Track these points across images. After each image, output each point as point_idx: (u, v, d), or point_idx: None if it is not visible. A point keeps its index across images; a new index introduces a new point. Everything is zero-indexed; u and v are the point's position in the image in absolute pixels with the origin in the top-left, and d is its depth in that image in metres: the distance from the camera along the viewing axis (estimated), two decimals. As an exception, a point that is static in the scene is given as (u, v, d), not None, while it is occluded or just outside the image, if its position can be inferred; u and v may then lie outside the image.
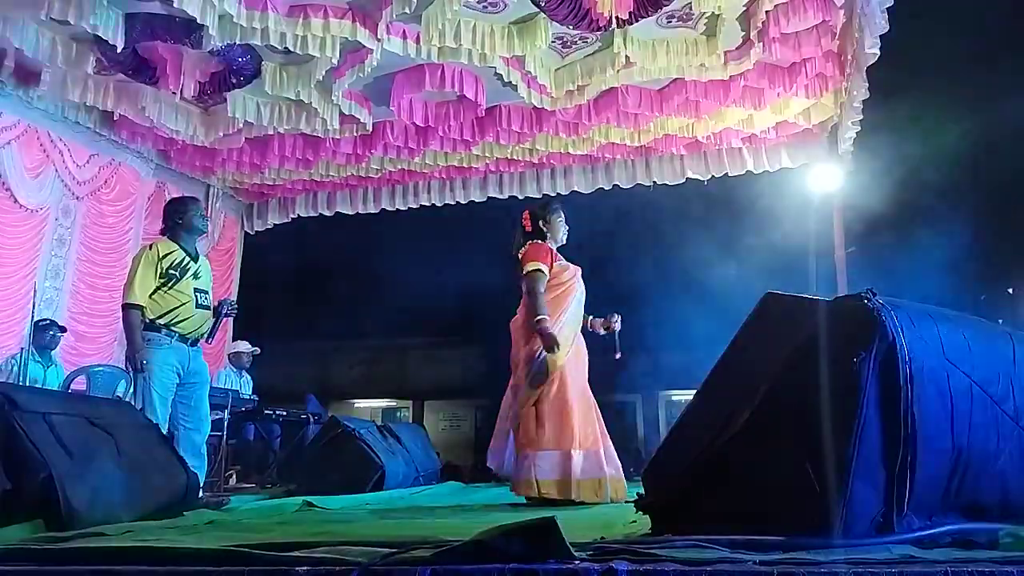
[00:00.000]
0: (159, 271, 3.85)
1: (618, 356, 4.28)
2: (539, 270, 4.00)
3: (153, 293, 3.84)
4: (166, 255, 3.90)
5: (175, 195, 7.56)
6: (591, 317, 4.27)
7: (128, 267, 4.04)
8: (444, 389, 16.40)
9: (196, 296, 3.94)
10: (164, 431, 3.78)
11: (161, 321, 3.84)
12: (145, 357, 3.74)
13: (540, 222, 4.18)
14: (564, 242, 4.25)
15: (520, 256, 4.10)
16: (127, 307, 3.82)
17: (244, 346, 7.29)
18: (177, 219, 4.04)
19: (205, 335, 4.07)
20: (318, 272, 13.85)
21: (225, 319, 4.22)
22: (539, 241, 4.14)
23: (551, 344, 3.84)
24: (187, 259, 3.97)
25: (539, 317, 3.88)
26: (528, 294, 3.98)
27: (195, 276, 3.98)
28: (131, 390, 5.88)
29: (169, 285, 3.87)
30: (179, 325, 3.87)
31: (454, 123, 6.43)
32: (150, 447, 3.13)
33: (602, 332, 4.28)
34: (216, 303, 4.18)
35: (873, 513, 1.65)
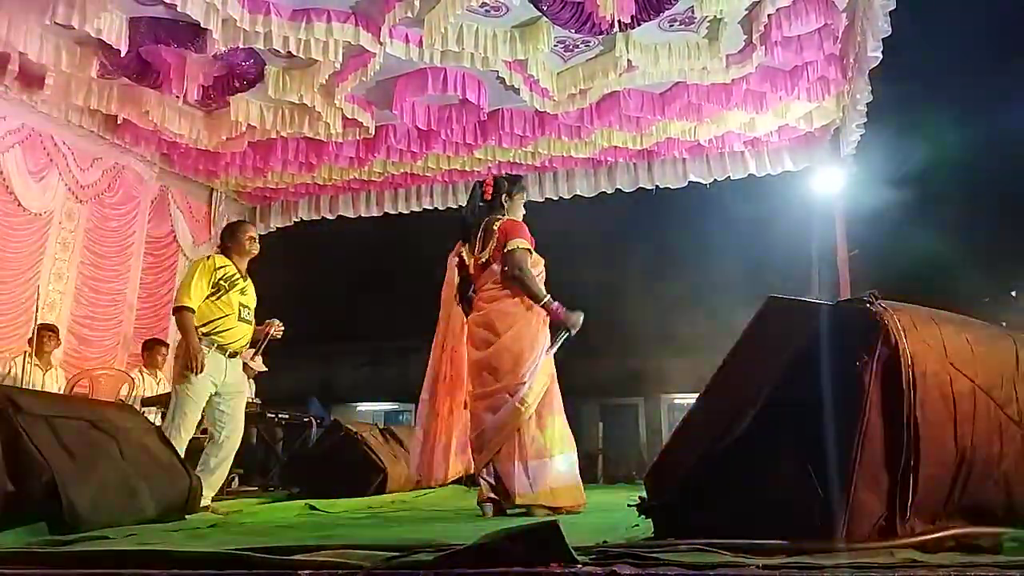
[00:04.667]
0: (212, 280, 4.01)
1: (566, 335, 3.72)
2: (528, 249, 3.60)
3: (201, 302, 3.98)
4: (221, 267, 4.08)
5: (178, 199, 7.65)
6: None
7: (182, 275, 4.20)
8: (446, 392, 16.36)
9: (240, 310, 4.10)
10: (191, 434, 3.95)
11: (204, 330, 3.97)
12: (205, 357, 3.88)
13: (503, 196, 3.77)
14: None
15: (495, 230, 3.66)
16: (181, 309, 3.97)
17: (256, 363, 7.23)
18: (229, 242, 4.25)
19: (244, 349, 4.20)
20: (320, 275, 13.86)
21: (272, 336, 4.35)
22: (514, 219, 3.76)
23: (575, 320, 3.51)
24: (237, 275, 4.14)
25: (545, 299, 3.52)
26: (518, 275, 3.53)
27: (242, 292, 4.14)
28: (134, 394, 5.89)
29: (217, 296, 4.02)
30: (221, 335, 4.00)
31: (456, 126, 6.43)
32: (153, 450, 3.13)
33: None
34: (265, 323, 4.34)
35: (876, 517, 1.64)
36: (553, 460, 3.43)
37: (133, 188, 7.11)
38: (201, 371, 3.85)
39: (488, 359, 3.52)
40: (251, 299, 4.24)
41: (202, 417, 4.06)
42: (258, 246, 4.38)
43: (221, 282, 4.03)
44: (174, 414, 3.88)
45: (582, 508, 3.48)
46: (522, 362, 3.47)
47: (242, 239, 4.24)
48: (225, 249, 4.26)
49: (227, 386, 4.05)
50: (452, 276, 3.90)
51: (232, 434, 4.08)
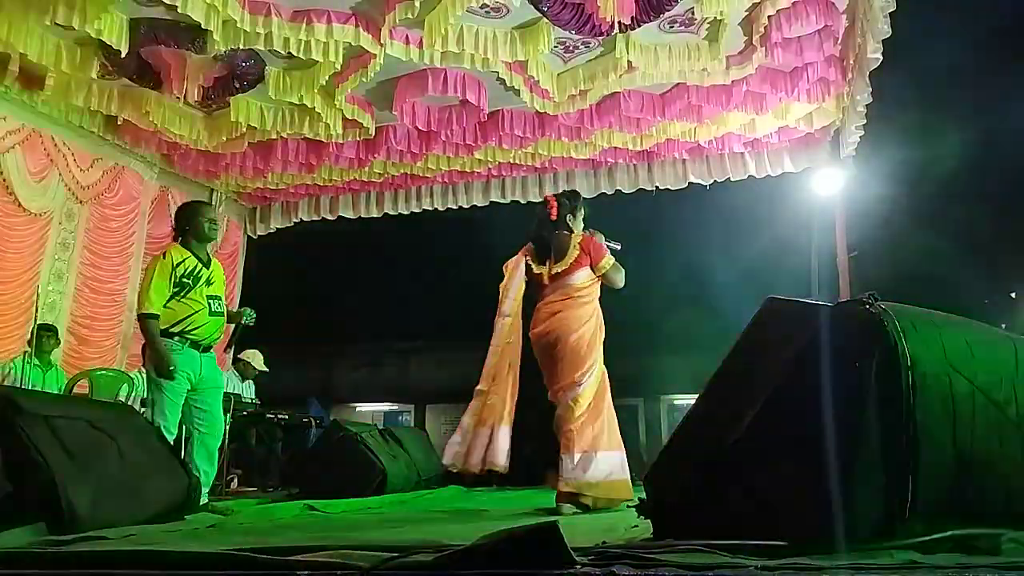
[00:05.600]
0: (173, 279, 3.81)
1: (619, 246, 4.26)
2: (616, 263, 4.03)
3: (167, 302, 3.81)
4: (180, 263, 3.86)
5: (178, 199, 7.62)
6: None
7: (142, 275, 4.04)
8: (446, 392, 16.38)
9: (209, 303, 3.91)
10: (174, 435, 3.80)
11: (174, 329, 3.82)
12: (172, 362, 3.72)
13: (568, 217, 4.12)
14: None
15: (573, 246, 4.01)
16: (144, 317, 3.77)
17: (256, 361, 7.20)
18: (185, 226, 4.00)
19: (218, 341, 4.05)
20: (320, 276, 13.87)
21: (244, 326, 4.22)
22: (585, 234, 4.12)
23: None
24: (200, 266, 3.93)
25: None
26: (622, 283, 4.06)
27: (208, 283, 3.94)
28: (133, 395, 5.91)
29: (183, 294, 3.83)
30: (193, 332, 3.85)
31: (457, 127, 6.43)
32: (152, 450, 3.13)
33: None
34: (237, 312, 4.21)
35: (875, 518, 1.64)
36: (598, 455, 3.72)
37: (133, 188, 7.11)
38: (171, 378, 3.72)
39: (551, 362, 3.92)
40: (219, 287, 4.03)
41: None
42: (218, 230, 4.13)
43: (184, 279, 3.82)
44: (154, 417, 3.71)
45: (627, 501, 3.68)
46: (580, 366, 3.85)
47: (201, 223, 3.97)
48: (183, 234, 3.97)
49: (203, 381, 3.89)
50: (518, 283, 4.15)
51: (214, 430, 3.94)
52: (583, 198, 4.29)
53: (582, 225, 4.17)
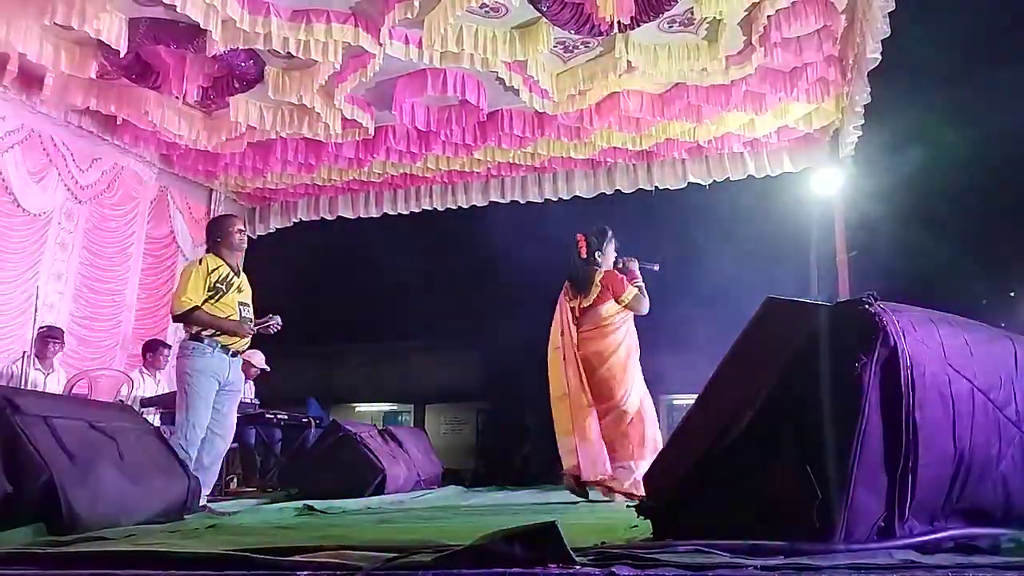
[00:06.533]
0: (207, 284, 3.96)
1: (657, 267, 4.73)
2: (639, 290, 4.51)
3: (201, 305, 3.93)
4: (214, 269, 4.02)
5: (178, 199, 7.64)
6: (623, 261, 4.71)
7: (177, 279, 4.30)
8: (446, 393, 16.38)
9: (240, 309, 4.07)
10: (202, 435, 3.93)
11: (206, 333, 3.94)
12: (243, 327, 4.01)
13: (596, 253, 4.55)
14: (610, 268, 4.68)
15: (598, 283, 4.48)
16: (190, 312, 3.90)
17: (258, 360, 7.18)
18: (217, 237, 4.17)
19: (246, 346, 4.20)
20: (319, 276, 13.84)
21: (265, 330, 4.28)
22: (609, 269, 4.57)
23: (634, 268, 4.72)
24: (231, 274, 4.09)
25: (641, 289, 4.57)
26: (644, 311, 4.55)
27: (239, 290, 4.10)
28: (133, 395, 5.90)
29: (216, 298, 3.98)
30: (223, 336, 3.98)
31: (456, 127, 6.43)
32: (152, 451, 3.13)
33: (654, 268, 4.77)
34: (267, 315, 4.32)
35: (875, 518, 1.64)
36: (643, 462, 4.12)
37: (132, 188, 7.11)
38: (248, 333, 4.02)
39: (594, 386, 4.44)
40: (248, 294, 4.21)
41: None
42: (247, 239, 4.33)
43: (218, 284, 3.98)
44: (188, 413, 3.87)
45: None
46: (617, 389, 4.39)
47: (232, 232, 4.16)
48: (215, 245, 4.16)
49: (228, 384, 4.05)
50: (563, 321, 4.61)
51: (225, 432, 4.07)
52: (610, 237, 4.66)
53: (613, 257, 4.61)
